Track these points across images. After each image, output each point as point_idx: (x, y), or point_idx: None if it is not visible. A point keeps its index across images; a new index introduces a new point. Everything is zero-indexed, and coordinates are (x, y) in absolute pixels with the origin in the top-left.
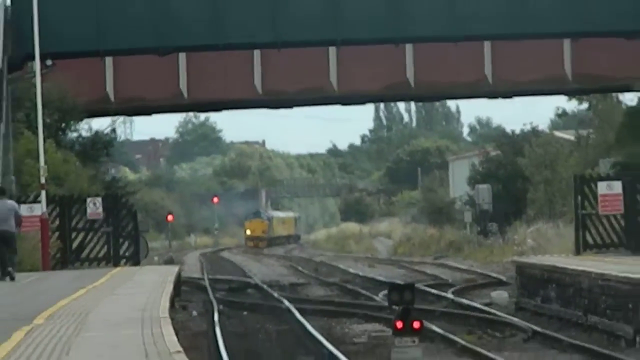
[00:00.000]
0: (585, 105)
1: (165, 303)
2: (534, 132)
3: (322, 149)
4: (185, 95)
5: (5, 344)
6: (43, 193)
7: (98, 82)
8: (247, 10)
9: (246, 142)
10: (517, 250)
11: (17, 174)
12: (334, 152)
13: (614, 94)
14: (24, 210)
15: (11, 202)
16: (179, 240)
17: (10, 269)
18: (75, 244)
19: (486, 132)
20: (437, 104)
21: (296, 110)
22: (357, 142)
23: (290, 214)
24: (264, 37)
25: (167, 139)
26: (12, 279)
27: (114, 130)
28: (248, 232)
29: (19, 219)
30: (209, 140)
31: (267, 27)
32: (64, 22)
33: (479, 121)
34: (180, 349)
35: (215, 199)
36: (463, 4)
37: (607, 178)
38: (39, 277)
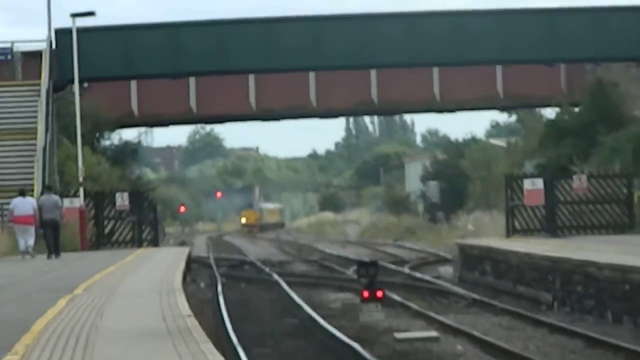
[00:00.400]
0: (514, 118)
1: (178, 277)
2: (473, 140)
3: (304, 154)
4: (195, 110)
5: (52, 309)
6: (81, 189)
7: (125, 100)
8: (244, 43)
9: (243, 148)
10: (459, 234)
11: (60, 174)
12: (314, 156)
13: (536, 109)
14: (66, 203)
15: (56, 197)
16: (189, 227)
17: (57, 249)
18: (107, 230)
19: (435, 140)
20: (396, 117)
21: (283, 122)
22: (332, 148)
23: (277, 206)
24: (258, 64)
25: (179, 146)
26: (57, 257)
27: (139, 141)
28: (243, 220)
29: (62, 210)
30: (213, 146)
31: (260, 57)
32: (97, 53)
33: (429, 131)
34: (191, 313)
35: (219, 194)
36: (416, 38)
37: (531, 176)
38: (78, 257)
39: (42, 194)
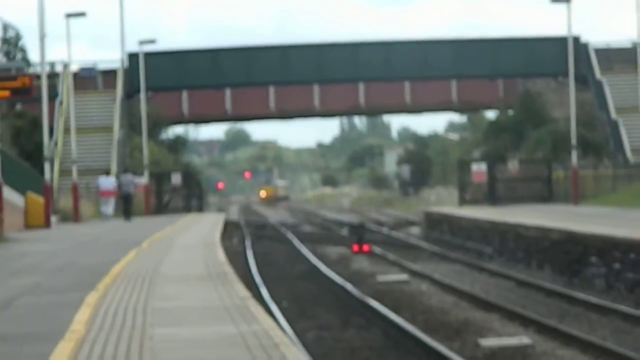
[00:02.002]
0: (464, 118)
1: (217, 235)
2: (435, 134)
3: (311, 144)
4: (229, 112)
5: (124, 258)
6: (146, 171)
7: (178, 105)
8: (266, 63)
9: (265, 140)
10: (424, 204)
11: (130, 160)
12: (318, 146)
13: (481, 111)
14: (136, 180)
15: (131, 176)
16: (225, 198)
17: (130, 214)
18: (165, 200)
19: (407, 135)
20: (378, 118)
21: (295, 121)
22: (331, 140)
23: (285, 183)
24: (276, 79)
25: (218, 139)
26: (130, 220)
27: (188, 135)
28: (262, 193)
29: (135, 186)
30: (243, 139)
31: (278, 73)
32: (158, 70)
33: (402, 128)
34: (226, 261)
35: (247, 174)
36: (393, 59)
37: (477, 161)
38: (144, 220)
39: (120, 173)
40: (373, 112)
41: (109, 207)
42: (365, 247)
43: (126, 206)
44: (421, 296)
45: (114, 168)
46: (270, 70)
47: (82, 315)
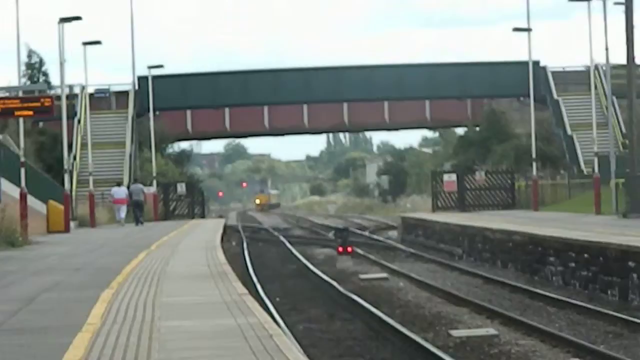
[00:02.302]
0: (437, 134)
1: (218, 238)
2: (410, 148)
3: (301, 157)
4: (228, 129)
5: (135, 259)
6: (154, 181)
7: (182, 123)
8: (261, 85)
9: (260, 154)
10: (401, 210)
11: (140, 171)
12: (307, 159)
13: (451, 128)
14: (145, 190)
15: (141, 185)
16: (224, 206)
17: (140, 220)
18: (171, 207)
19: (386, 149)
20: (360, 134)
21: (286, 137)
22: (318, 154)
23: (276, 192)
24: (269, 99)
25: (218, 153)
26: (142, 224)
27: (191, 150)
28: (257, 201)
29: (144, 195)
30: (240, 153)
31: (271, 95)
32: (165, 92)
33: (382, 143)
34: (226, 262)
35: (244, 184)
36: (373, 82)
37: (448, 172)
38: (153, 225)
39: (131, 183)
40: (356, 128)
41: (122, 213)
42: (349, 249)
43: (136, 213)
44: (399, 292)
45: (125, 179)
46: (264, 92)
47: (98, 310)
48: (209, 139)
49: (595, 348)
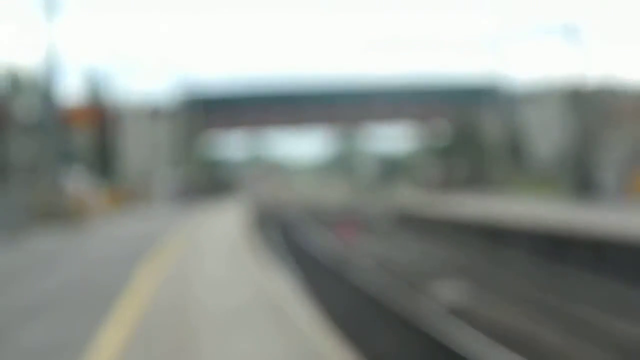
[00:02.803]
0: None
1: (239, 221)
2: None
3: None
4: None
5: (174, 239)
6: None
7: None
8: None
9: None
10: (396, 196)
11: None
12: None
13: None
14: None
15: (179, 177)
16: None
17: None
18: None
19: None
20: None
21: (302, 138)
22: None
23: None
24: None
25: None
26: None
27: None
28: (270, 191)
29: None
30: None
31: (288, 104)
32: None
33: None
34: (245, 243)
35: (257, 177)
36: (375, 90)
37: (429, 166)
38: (184, 206)
39: (174, 174)
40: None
41: (165, 198)
42: (351, 233)
43: (180, 198)
44: (394, 261)
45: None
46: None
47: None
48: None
49: (549, 314)
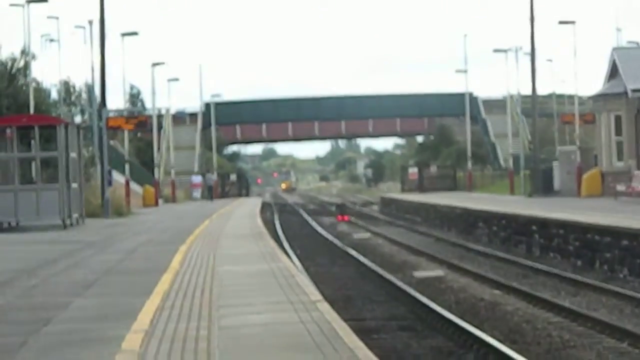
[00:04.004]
0: (404, 141)
1: (257, 210)
2: (387, 151)
3: (313, 156)
4: (265, 137)
5: (203, 224)
6: (215, 172)
7: (234, 133)
8: (287, 107)
9: (286, 154)
10: (380, 192)
11: (205, 166)
12: (318, 157)
13: (414, 137)
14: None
15: (211, 175)
16: (262, 189)
17: (211, 197)
18: (226, 189)
19: (370, 151)
20: (352, 140)
21: (304, 142)
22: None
23: (294, 179)
24: (292, 117)
25: (258, 154)
26: (211, 200)
27: (239, 152)
28: (283, 185)
29: (213, 181)
30: (273, 153)
31: (294, 114)
32: (222, 112)
33: (368, 147)
34: (262, 225)
35: (275, 174)
36: (363, 104)
37: (412, 166)
38: (215, 201)
39: (206, 173)
40: (350, 137)
41: (196, 193)
42: (346, 218)
43: (209, 192)
44: (379, 247)
45: (195, 171)
46: (289, 112)
47: (177, 258)
48: (251, 143)
49: (509, 284)
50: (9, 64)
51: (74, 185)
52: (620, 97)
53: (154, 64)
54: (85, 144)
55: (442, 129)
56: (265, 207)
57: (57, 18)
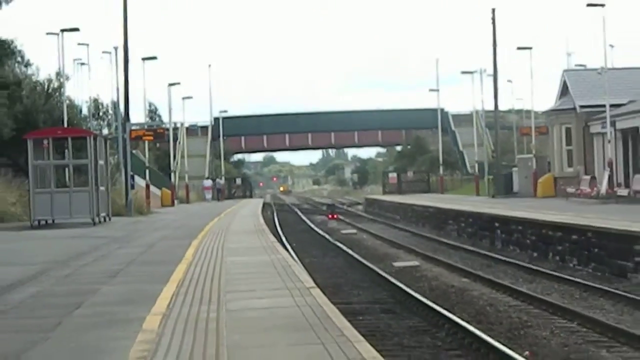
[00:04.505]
0: (385, 150)
1: (259, 210)
2: (370, 159)
3: (307, 163)
4: (265, 147)
5: (212, 222)
6: (223, 177)
7: (239, 144)
8: (285, 122)
9: (283, 162)
10: (365, 193)
11: (215, 172)
12: (311, 164)
13: (394, 146)
14: (219, 182)
15: (219, 180)
16: (263, 191)
17: (219, 198)
18: (233, 191)
19: (356, 158)
20: (341, 150)
21: (299, 151)
22: (317, 161)
23: (290, 183)
24: (290, 130)
25: (259, 161)
26: (219, 201)
27: (244, 159)
28: (281, 188)
29: (222, 185)
30: (272, 161)
31: (291, 127)
32: (229, 125)
33: (354, 155)
34: (264, 223)
35: (274, 179)
36: (349, 120)
37: (391, 172)
38: (223, 202)
39: (216, 178)
40: (339, 147)
41: (207, 195)
42: (335, 216)
43: (218, 194)
44: (363, 241)
45: (206, 176)
46: (287, 125)
47: (190, 251)
48: (254, 152)
49: (475, 272)
50: (46, 84)
51: (102, 188)
52: (570, 112)
53: (170, 84)
54: (112, 152)
55: (418, 140)
56: (265, 206)
57: (87, 45)
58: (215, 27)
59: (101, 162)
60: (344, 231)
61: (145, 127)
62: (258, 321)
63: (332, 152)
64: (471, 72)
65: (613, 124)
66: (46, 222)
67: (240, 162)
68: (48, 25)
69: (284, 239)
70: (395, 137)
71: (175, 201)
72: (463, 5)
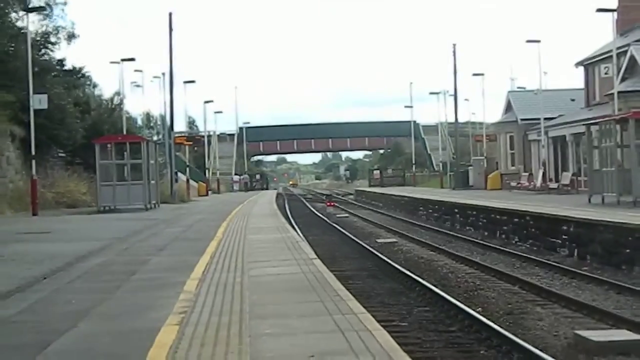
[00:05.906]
0: (371, 153)
1: (274, 198)
2: (359, 159)
3: (311, 163)
4: (278, 149)
5: (237, 208)
6: (246, 173)
7: (259, 148)
8: (294, 131)
9: (292, 162)
10: (355, 186)
11: (241, 169)
12: (314, 163)
13: (377, 150)
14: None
15: (246, 175)
16: (276, 184)
17: (246, 189)
18: (254, 184)
19: (349, 160)
20: (336, 152)
21: (305, 154)
22: (317, 161)
23: (297, 178)
24: (298, 137)
25: (274, 161)
26: (245, 191)
27: (262, 160)
28: (290, 182)
29: (247, 179)
30: (284, 161)
31: (298, 135)
32: (251, 133)
33: (347, 157)
34: (277, 208)
35: (285, 175)
36: (344, 129)
37: (376, 169)
38: (245, 192)
39: (243, 173)
40: (335, 150)
41: (235, 187)
42: (332, 204)
43: (246, 187)
44: (354, 222)
45: (233, 172)
46: (295, 133)
47: (220, 230)
48: (270, 155)
49: (440, 247)
50: (109, 102)
51: (153, 181)
52: (513, 124)
53: (206, 102)
54: (160, 154)
55: (396, 145)
56: (279, 196)
57: (141, 71)
58: (240, 55)
59: (152, 161)
60: (338, 215)
61: (186, 135)
62: (272, 284)
63: (330, 154)
64: (437, 93)
65: (546, 133)
66: (109, 207)
67: (259, 162)
68: (110, 55)
69: (292, 221)
70: (378, 143)
71: (209, 192)
72: (433, 38)
